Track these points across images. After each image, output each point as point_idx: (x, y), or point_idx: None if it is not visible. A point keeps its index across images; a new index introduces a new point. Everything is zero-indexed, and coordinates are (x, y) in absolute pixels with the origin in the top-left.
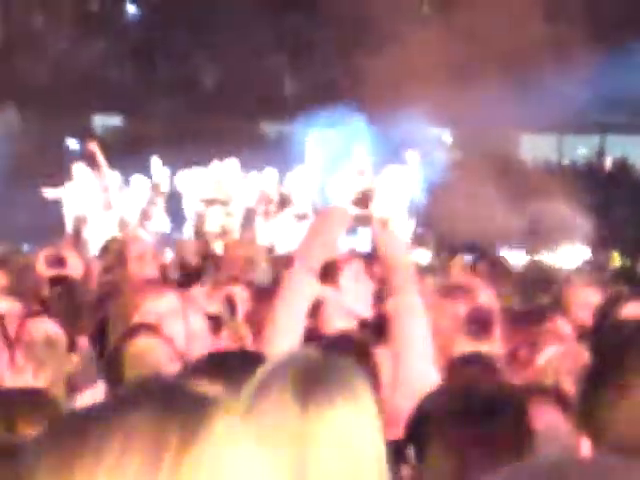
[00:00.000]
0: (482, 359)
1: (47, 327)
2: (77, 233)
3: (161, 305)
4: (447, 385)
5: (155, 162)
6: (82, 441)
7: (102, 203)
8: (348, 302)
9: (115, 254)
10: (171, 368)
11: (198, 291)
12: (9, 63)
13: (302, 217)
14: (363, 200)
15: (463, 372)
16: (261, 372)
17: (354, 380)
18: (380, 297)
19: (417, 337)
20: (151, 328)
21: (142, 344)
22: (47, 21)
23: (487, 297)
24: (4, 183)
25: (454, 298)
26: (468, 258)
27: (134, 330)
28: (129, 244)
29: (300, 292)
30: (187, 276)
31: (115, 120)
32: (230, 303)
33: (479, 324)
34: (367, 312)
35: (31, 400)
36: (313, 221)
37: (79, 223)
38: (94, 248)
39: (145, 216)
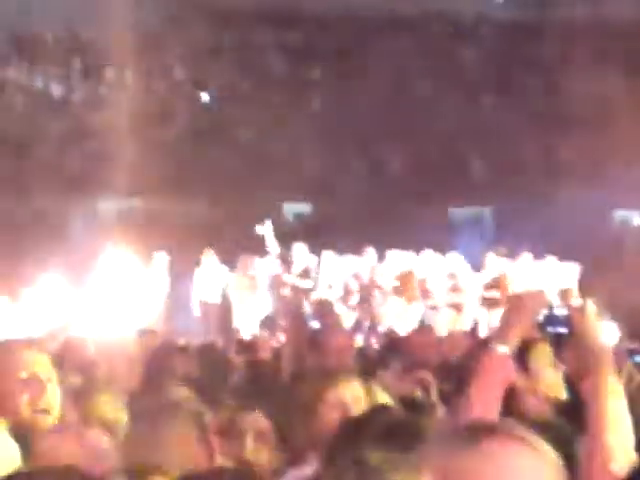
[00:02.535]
0: None
1: (257, 420)
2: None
3: (346, 394)
4: None
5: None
6: None
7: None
8: (540, 386)
9: (310, 341)
10: None
11: (388, 376)
12: (201, 152)
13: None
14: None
15: None
16: None
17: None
18: (571, 381)
19: (616, 419)
20: None
21: None
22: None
23: None
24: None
25: None
26: None
27: None
28: (330, 333)
29: (497, 376)
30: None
31: (304, 207)
32: (424, 387)
33: None
34: (562, 395)
35: None
36: (511, 304)
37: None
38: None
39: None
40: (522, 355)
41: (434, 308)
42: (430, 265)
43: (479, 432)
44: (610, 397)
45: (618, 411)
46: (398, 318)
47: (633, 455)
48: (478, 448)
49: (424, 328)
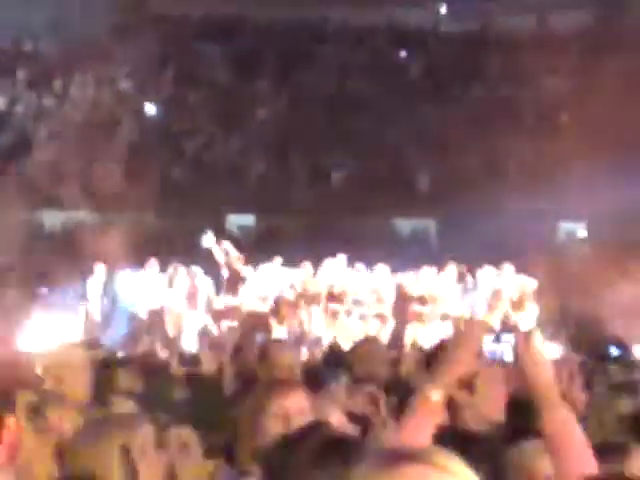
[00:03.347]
0: None
1: (181, 434)
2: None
3: (289, 404)
4: None
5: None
6: None
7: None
8: (482, 407)
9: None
10: None
11: (336, 389)
12: (146, 162)
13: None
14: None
15: None
16: None
17: None
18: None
19: (575, 448)
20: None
21: None
22: (181, 122)
23: None
24: None
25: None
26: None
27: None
28: (277, 351)
29: (427, 421)
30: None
31: (248, 218)
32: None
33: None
34: (500, 417)
35: None
36: (453, 335)
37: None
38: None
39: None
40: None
41: (363, 317)
42: (362, 276)
43: (400, 457)
44: (566, 429)
45: (577, 441)
46: (332, 330)
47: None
48: (396, 472)
49: (369, 340)
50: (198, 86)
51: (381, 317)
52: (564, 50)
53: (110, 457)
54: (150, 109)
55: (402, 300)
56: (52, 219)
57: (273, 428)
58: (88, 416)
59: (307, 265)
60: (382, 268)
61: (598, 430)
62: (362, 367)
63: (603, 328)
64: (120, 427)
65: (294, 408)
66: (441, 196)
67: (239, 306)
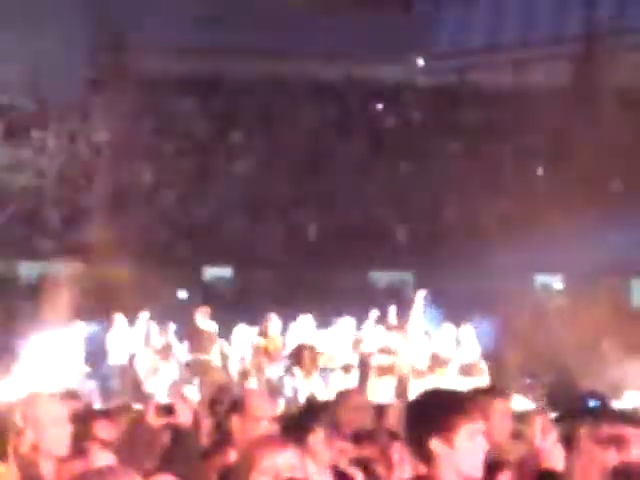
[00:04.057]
0: None
1: None
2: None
3: (280, 461)
4: None
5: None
6: None
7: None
8: (461, 462)
9: (232, 406)
10: None
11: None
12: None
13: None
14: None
15: None
16: None
17: None
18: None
19: None
20: None
21: None
22: (157, 176)
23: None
24: None
25: (605, 446)
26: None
27: None
28: (254, 401)
29: None
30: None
31: (225, 271)
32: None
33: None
34: (478, 473)
35: None
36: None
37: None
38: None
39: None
40: (447, 425)
41: (332, 370)
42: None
43: None
44: None
45: None
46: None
47: None
48: None
49: (354, 390)
50: (174, 140)
51: (346, 368)
52: (540, 104)
53: None
54: (127, 162)
55: (364, 353)
56: (27, 270)
57: None
58: (69, 468)
59: (275, 319)
60: (347, 320)
61: None
62: (347, 417)
63: (580, 381)
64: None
65: (285, 465)
66: (418, 250)
67: (209, 361)
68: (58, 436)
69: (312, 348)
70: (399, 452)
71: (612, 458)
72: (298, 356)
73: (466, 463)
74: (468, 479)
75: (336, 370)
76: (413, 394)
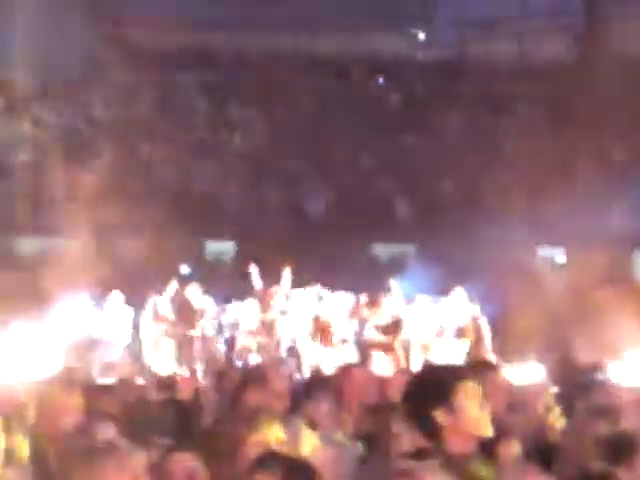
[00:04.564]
0: None
1: (187, 460)
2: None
3: (270, 435)
4: None
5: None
6: None
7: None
8: (466, 424)
9: (248, 378)
10: None
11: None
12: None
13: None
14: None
15: None
16: None
17: None
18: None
19: None
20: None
21: None
22: (157, 151)
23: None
24: None
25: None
26: None
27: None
28: (274, 374)
29: None
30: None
31: (226, 245)
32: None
33: (618, 449)
34: (486, 432)
35: None
36: None
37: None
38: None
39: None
40: (446, 393)
41: (335, 344)
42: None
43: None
44: None
45: None
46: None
47: None
48: None
49: (352, 366)
50: (173, 114)
51: (347, 342)
52: (542, 77)
53: None
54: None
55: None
56: (27, 246)
57: (252, 459)
58: (70, 443)
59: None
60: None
61: (577, 454)
62: (350, 391)
63: (581, 354)
64: (112, 455)
65: (274, 439)
66: (419, 223)
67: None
68: (67, 413)
69: (317, 321)
70: (398, 425)
71: (604, 429)
72: (302, 329)
73: (471, 423)
74: (476, 439)
75: (339, 344)
76: (417, 367)
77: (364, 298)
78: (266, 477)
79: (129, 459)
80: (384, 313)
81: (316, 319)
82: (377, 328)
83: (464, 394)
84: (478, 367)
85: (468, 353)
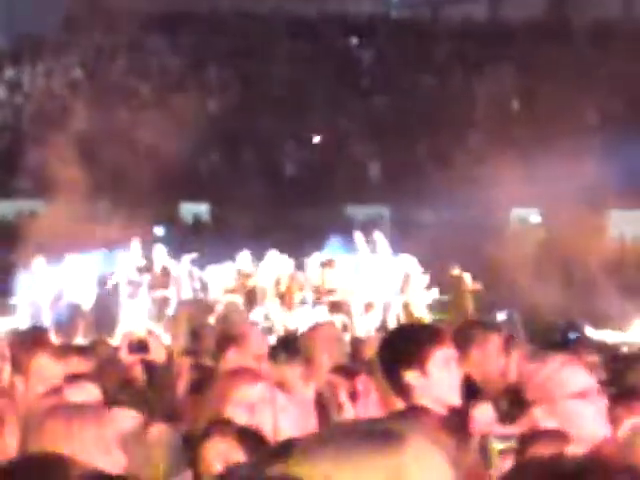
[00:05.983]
0: None
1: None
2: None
3: (252, 394)
4: None
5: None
6: None
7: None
8: (437, 390)
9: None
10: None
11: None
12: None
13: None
14: None
15: None
16: None
17: None
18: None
19: None
20: (227, 429)
21: (216, 448)
22: (133, 114)
23: None
24: None
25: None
26: None
27: (210, 430)
28: (254, 336)
29: None
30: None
31: (202, 207)
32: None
33: None
34: (455, 400)
35: None
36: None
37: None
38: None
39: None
40: (421, 357)
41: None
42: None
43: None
44: None
45: None
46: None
47: None
48: None
49: (327, 324)
50: (149, 77)
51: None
52: (513, 38)
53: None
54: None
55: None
56: (3, 208)
57: (237, 417)
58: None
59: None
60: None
61: None
62: (320, 351)
63: (558, 313)
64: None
65: (258, 397)
66: (393, 184)
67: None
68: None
69: (289, 282)
70: (364, 383)
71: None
72: (275, 291)
73: (442, 390)
74: (446, 407)
75: (310, 305)
76: (390, 326)
77: (320, 259)
78: (219, 442)
79: (109, 422)
80: (342, 274)
81: (288, 281)
82: (330, 291)
83: (438, 359)
84: (466, 330)
85: (449, 310)
